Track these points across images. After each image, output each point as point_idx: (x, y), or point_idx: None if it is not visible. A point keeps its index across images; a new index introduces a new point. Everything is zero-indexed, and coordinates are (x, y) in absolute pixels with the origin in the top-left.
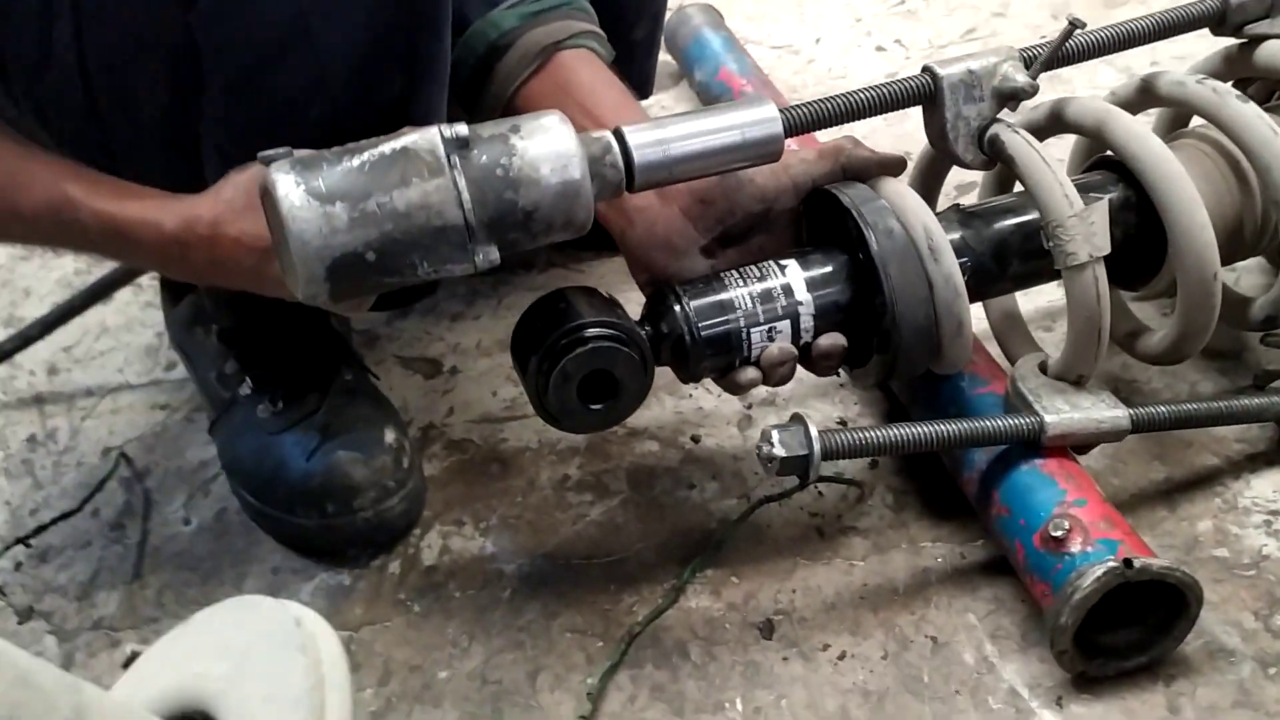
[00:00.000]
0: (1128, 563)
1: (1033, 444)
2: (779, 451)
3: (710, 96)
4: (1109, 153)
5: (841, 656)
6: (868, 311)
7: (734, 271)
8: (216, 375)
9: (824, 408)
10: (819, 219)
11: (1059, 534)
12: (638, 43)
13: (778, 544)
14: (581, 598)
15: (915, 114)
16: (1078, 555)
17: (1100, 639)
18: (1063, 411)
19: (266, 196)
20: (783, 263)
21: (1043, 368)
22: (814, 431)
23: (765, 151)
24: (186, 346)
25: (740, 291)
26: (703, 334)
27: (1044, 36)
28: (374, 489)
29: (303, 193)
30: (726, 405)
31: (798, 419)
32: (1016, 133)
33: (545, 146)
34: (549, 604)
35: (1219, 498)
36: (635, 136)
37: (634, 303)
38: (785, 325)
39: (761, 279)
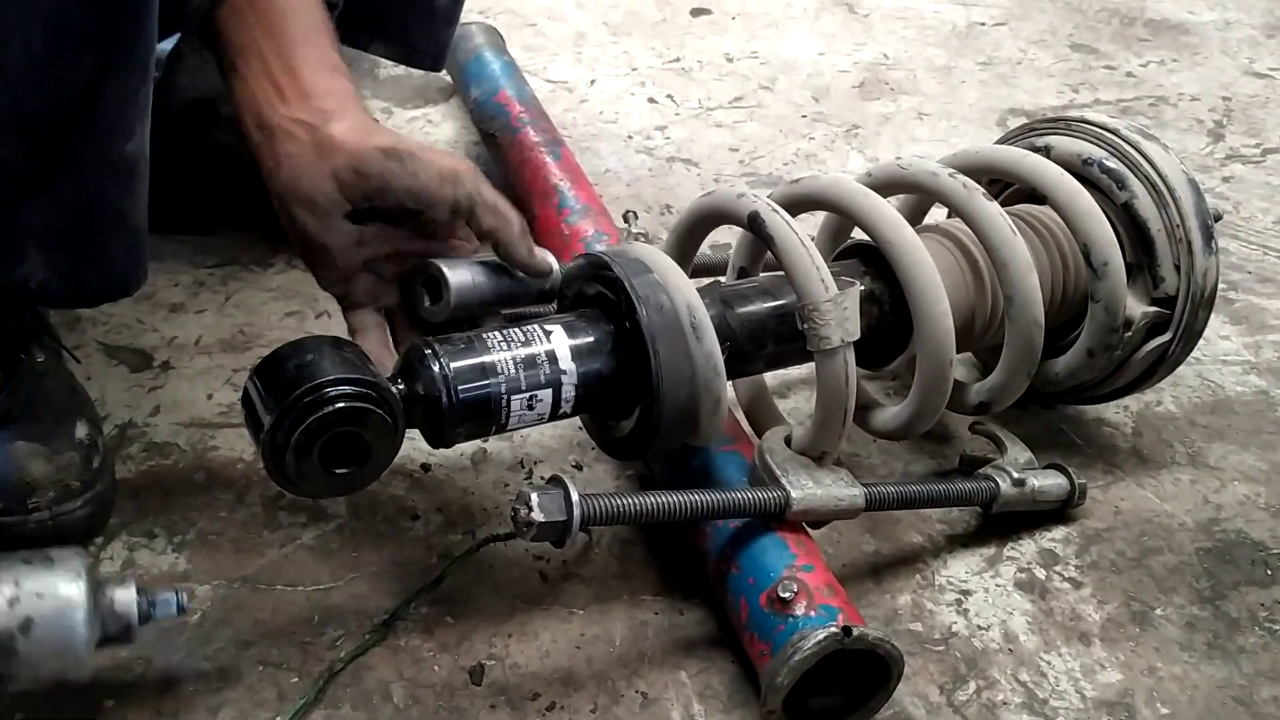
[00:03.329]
0: (846, 630)
1: (777, 517)
2: (537, 516)
3: (485, 115)
4: (857, 241)
5: (550, 708)
6: (630, 383)
7: (497, 333)
8: None
9: (560, 450)
10: (580, 276)
11: (787, 595)
12: (439, 10)
13: (499, 585)
14: (281, 628)
15: (680, 169)
16: (800, 618)
17: (805, 702)
18: (806, 487)
19: None
20: (548, 328)
21: (788, 441)
22: (575, 496)
23: None
24: None
25: (503, 355)
26: (461, 397)
27: (803, 115)
28: (54, 488)
29: None
30: None
31: (557, 481)
32: (777, 213)
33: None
34: (243, 632)
35: (919, 574)
36: None
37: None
38: (547, 394)
39: (526, 344)
